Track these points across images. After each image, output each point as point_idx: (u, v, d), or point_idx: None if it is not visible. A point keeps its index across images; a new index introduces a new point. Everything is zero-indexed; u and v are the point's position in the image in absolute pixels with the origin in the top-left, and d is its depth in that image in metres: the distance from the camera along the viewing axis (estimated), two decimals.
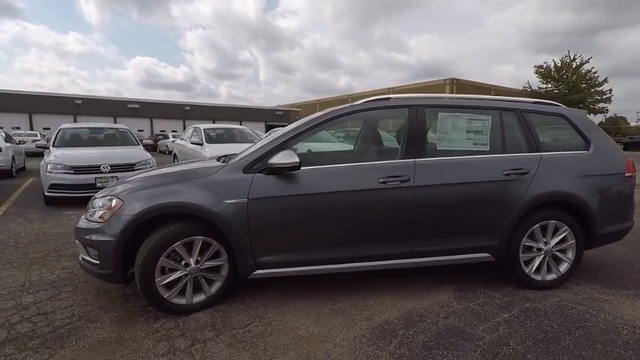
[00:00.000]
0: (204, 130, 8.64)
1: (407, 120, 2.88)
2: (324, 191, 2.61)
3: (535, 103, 3.23)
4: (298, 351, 2.18)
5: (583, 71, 32.64)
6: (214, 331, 2.38)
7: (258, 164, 2.61)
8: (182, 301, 2.56)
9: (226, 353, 2.15)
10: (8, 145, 10.70)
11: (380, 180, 2.67)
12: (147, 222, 2.46)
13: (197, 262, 2.56)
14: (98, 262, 2.52)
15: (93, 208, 2.67)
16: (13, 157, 10.56)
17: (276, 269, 2.64)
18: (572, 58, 33.18)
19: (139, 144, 7.75)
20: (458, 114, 2.97)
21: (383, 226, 2.72)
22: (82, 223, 2.66)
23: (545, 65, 34.31)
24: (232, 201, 2.50)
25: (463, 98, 3.11)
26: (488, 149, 2.96)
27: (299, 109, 45.17)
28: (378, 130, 3.48)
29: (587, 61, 32.56)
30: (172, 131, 31.11)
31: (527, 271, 2.97)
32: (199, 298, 2.62)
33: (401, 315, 2.60)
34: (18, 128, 25.36)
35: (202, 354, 2.14)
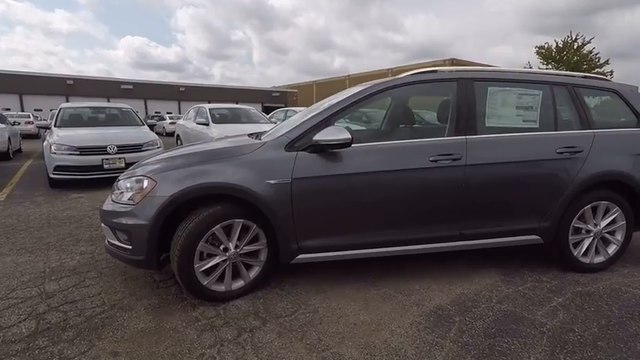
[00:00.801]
0: (209, 109, 8.34)
1: (455, 94, 2.68)
2: (372, 170, 2.43)
3: (585, 77, 3.04)
4: (355, 340, 2.04)
5: (584, 52, 32.29)
6: (259, 319, 2.23)
7: (301, 141, 2.41)
8: (221, 287, 2.40)
9: (278, 344, 2.00)
10: (3, 126, 10.30)
11: (431, 159, 2.49)
12: (183, 204, 2.27)
13: (236, 246, 2.39)
14: (130, 247, 2.34)
15: (119, 189, 2.47)
16: (9, 138, 10.18)
17: (320, 254, 2.47)
18: (573, 38, 32.75)
19: (143, 124, 7.46)
20: (508, 88, 2.78)
21: (432, 208, 2.55)
22: (109, 206, 2.47)
23: (546, 46, 33.86)
24: (275, 181, 2.31)
25: (513, 71, 2.90)
26: (537, 126, 2.78)
27: (295, 91, 44.43)
28: (408, 107, 3.28)
29: (588, 42, 32.17)
30: (168, 113, 30.53)
31: (575, 254, 2.85)
32: (238, 284, 2.46)
33: (452, 300, 2.47)
34: (8, 109, 24.61)
35: (253, 344, 2.00)
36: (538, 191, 2.68)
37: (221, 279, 2.40)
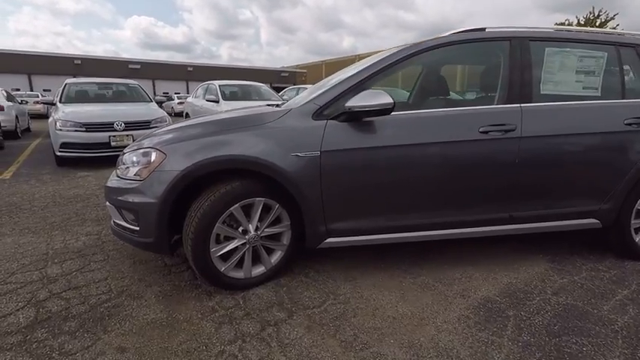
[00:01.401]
0: (219, 86, 7.99)
1: (507, 56, 2.30)
2: (413, 143, 2.10)
3: None
4: (397, 337, 1.77)
5: (608, 29, 30.76)
6: (284, 310, 1.97)
7: (331, 108, 2.09)
8: (239, 274, 2.13)
9: (308, 340, 1.74)
10: (10, 104, 10.09)
11: (481, 129, 2.15)
12: (197, 180, 1.99)
13: (256, 228, 2.11)
14: (137, 228, 2.07)
15: (125, 164, 2.19)
16: (17, 116, 9.98)
17: (351, 237, 2.18)
18: (596, 14, 31.21)
19: (151, 101, 7.16)
20: (568, 50, 2.39)
21: (481, 186, 2.23)
22: (114, 182, 2.19)
23: (566, 22, 32.35)
24: (302, 154, 2.00)
25: (574, 30, 2.51)
26: (598, 94, 2.41)
27: (304, 71, 43.57)
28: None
29: (612, 18, 30.63)
30: (176, 93, 30.15)
31: (637, 240, 2.52)
32: (259, 270, 2.20)
33: (500, 291, 2.18)
34: (18, 90, 24.52)
35: (279, 341, 1.74)
36: (601, 168, 2.33)
37: (240, 264, 2.13)
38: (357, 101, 1.97)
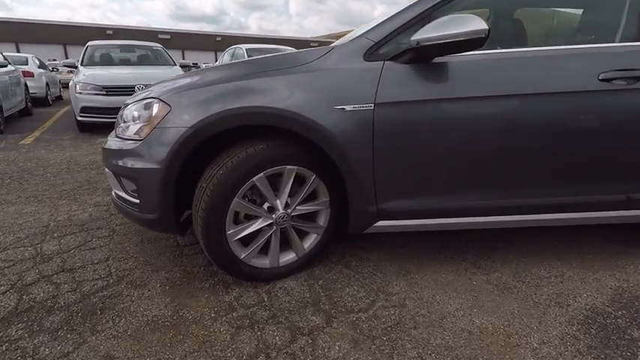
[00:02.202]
0: (246, 50, 7.46)
1: None
2: (502, 94, 1.52)
3: None
4: None
5: None
6: (321, 314, 1.51)
7: (390, 45, 1.53)
8: (264, 262, 1.68)
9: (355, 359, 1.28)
10: (42, 71, 10.06)
11: (600, 76, 1.52)
12: (210, 141, 1.51)
13: (286, 205, 1.63)
14: (138, 201, 1.65)
15: (125, 120, 1.74)
16: (47, 84, 9.94)
17: (409, 220, 1.67)
18: None
19: (175, 64, 6.75)
20: None
21: (593, 157, 1.63)
22: (112, 143, 1.76)
23: None
24: (349, 107, 1.47)
25: None
26: None
27: (334, 41, 41.98)
28: None
29: None
30: (204, 63, 29.89)
31: None
32: (288, 258, 1.74)
33: (610, 299, 1.62)
34: (54, 60, 25.03)
35: (315, 359, 1.28)
36: None
37: (264, 250, 1.68)
38: (429, 32, 1.39)
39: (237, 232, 1.56)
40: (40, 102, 9.32)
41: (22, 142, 4.95)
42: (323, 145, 1.50)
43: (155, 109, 1.57)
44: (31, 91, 8.44)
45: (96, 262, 1.91)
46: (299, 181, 1.64)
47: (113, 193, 1.89)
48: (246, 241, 1.63)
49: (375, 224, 1.65)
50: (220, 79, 1.57)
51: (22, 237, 2.17)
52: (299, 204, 1.65)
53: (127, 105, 1.80)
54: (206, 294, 1.64)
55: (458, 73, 1.51)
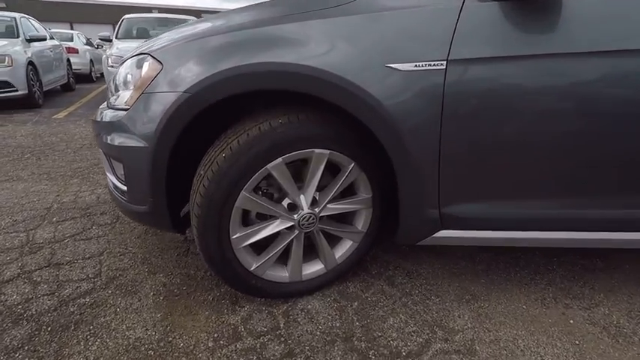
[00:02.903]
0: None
1: None
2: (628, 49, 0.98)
3: None
4: None
5: None
6: (356, 355, 1.10)
7: None
8: (281, 274, 1.28)
9: None
10: (87, 48, 10.25)
11: None
12: (212, 111, 1.11)
13: (313, 202, 1.21)
14: (126, 187, 1.30)
15: (116, 83, 1.38)
16: (92, 60, 10.11)
17: (482, 232, 1.19)
18: None
19: None
20: None
21: None
22: (102, 114, 1.41)
23: None
24: (408, 66, 1.00)
25: None
26: None
27: None
28: None
29: None
30: None
31: None
32: (313, 270, 1.32)
33: None
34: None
35: None
36: None
37: (283, 259, 1.28)
38: None
39: (245, 237, 1.16)
40: (84, 78, 9.49)
41: (55, 116, 4.88)
42: (368, 121, 1.05)
43: (146, 67, 1.19)
44: (74, 67, 8.54)
45: (87, 256, 1.60)
46: (331, 170, 1.21)
47: (108, 180, 1.56)
48: (258, 246, 1.24)
49: (436, 234, 1.19)
50: (226, 28, 1.14)
51: (18, 220, 1.93)
52: (331, 201, 1.22)
53: (120, 65, 1.43)
54: (207, 311, 1.28)
55: (579, 15, 0.99)
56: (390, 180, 1.20)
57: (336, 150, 1.13)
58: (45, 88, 5.96)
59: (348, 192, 1.27)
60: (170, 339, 1.16)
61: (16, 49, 5.22)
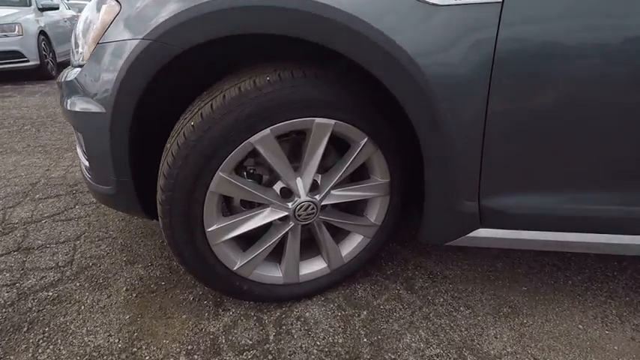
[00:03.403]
0: None
1: None
2: None
3: None
4: None
5: None
6: None
7: None
8: (274, 274, 1.04)
9: None
10: None
11: None
12: (189, 66, 0.86)
13: (313, 186, 0.95)
14: (88, 163, 1.07)
15: (76, 34, 1.12)
16: None
17: (535, 233, 0.90)
18: None
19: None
20: None
21: None
22: (66, 74, 1.17)
23: None
24: (448, 0, 0.72)
25: None
26: None
27: None
28: None
29: None
30: None
31: None
32: (314, 269, 1.07)
33: None
34: None
35: None
36: None
37: (275, 256, 1.04)
38: None
39: (226, 230, 0.92)
40: None
41: None
42: (389, 81, 0.76)
43: (102, 11, 0.93)
44: None
45: (62, 240, 1.42)
46: (337, 147, 0.95)
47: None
48: (243, 240, 1.00)
49: (471, 234, 0.91)
50: None
51: (1, 196, 1.77)
52: (336, 186, 0.96)
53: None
54: (185, 314, 1.07)
55: None
56: (414, 161, 0.92)
57: (343, 120, 0.86)
58: (59, 60, 5.83)
59: (358, 175, 1.01)
60: (135, 349, 0.95)
61: (27, 18, 5.06)
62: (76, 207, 1.67)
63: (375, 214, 1.04)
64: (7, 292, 1.15)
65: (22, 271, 1.24)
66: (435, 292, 1.15)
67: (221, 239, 0.91)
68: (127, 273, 1.24)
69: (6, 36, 4.73)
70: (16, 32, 4.78)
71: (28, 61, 4.91)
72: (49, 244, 1.39)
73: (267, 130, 0.81)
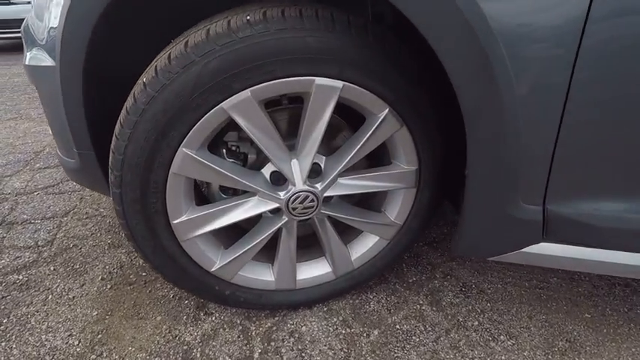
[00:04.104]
0: None
1: None
2: None
3: None
4: None
5: None
6: None
7: None
8: (264, 278, 0.83)
9: None
10: None
11: None
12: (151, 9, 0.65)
13: (315, 172, 0.73)
14: (50, 130, 0.91)
15: None
16: None
17: (604, 251, 0.64)
18: None
19: None
20: None
21: None
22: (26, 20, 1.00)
23: None
24: None
25: None
26: None
27: None
28: None
29: None
30: None
31: None
32: (314, 274, 0.86)
33: None
34: None
35: None
36: None
37: (266, 254, 0.84)
38: None
39: (199, 222, 0.71)
40: None
41: None
42: (424, 27, 0.51)
43: None
44: None
45: (49, 215, 1.29)
46: (349, 120, 0.71)
47: None
48: (225, 235, 0.80)
49: (529, 248, 0.65)
50: None
51: (2, 164, 1.68)
52: (345, 173, 0.73)
53: None
54: (160, 314, 0.90)
55: None
56: (452, 145, 0.67)
57: (355, 82, 0.62)
58: None
59: (375, 160, 0.77)
60: (93, 356, 0.79)
61: None
62: (70, 182, 1.55)
63: (396, 211, 0.81)
64: None
65: (2, 247, 1.12)
66: (467, 311, 0.91)
67: (192, 234, 0.72)
68: (108, 258, 1.09)
69: None
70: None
71: None
72: (34, 220, 1.27)
73: (247, 92, 0.59)
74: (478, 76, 0.53)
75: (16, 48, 5.19)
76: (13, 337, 0.84)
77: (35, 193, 1.43)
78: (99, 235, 1.19)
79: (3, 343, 0.83)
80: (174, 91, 0.56)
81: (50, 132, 2.04)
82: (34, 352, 0.80)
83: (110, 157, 0.64)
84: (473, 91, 0.55)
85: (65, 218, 1.28)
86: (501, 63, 0.51)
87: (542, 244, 0.64)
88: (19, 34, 4.80)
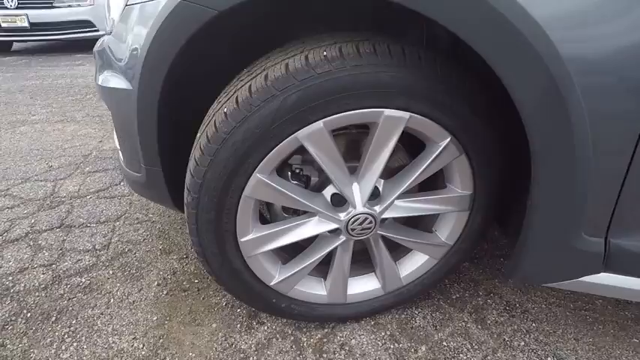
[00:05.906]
0: None
1: None
2: None
3: None
4: None
5: None
6: None
7: None
8: (317, 292, 0.87)
9: None
10: None
11: None
12: (224, 35, 0.69)
13: (374, 196, 0.76)
14: (119, 145, 0.97)
15: None
16: None
17: None
18: None
19: None
20: None
21: None
22: (102, 41, 1.06)
23: None
24: None
25: None
26: None
27: None
28: None
29: None
30: None
31: None
32: (364, 289, 0.89)
33: None
34: None
35: None
36: None
37: (318, 269, 0.88)
38: None
39: (264, 240, 0.76)
40: None
41: None
42: (495, 59, 0.53)
43: None
44: None
45: (103, 220, 1.37)
46: (407, 146, 0.74)
47: None
48: (284, 252, 0.84)
49: (587, 277, 0.67)
50: None
51: (54, 167, 1.78)
52: (402, 196, 0.76)
53: None
54: (215, 322, 0.95)
55: None
56: (507, 171, 0.69)
57: (421, 113, 0.64)
58: None
59: (431, 183, 0.80)
60: None
61: None
62: (121, 184, 1.62)
63: (447, 232, 0.83)
64: (44, 273, 1.11)
65: (60, 252, 1.20)
66: (513, 330, 0.93)
67: (257, 251, 0.76)
68: (161, 264, 1.15)
69: (79, 5, 4.93)
70: (87, 2, 4.96)
71: (98, 30, 5.09)
72: (89, 224, 1.34)
73: (320, 123, 0.62)
74: (550, 110, 0.54)
75: (57, 49, 5.40)
76: (83, 338, 0.91)
77: (88, 197, 1.52)
78: (151, 240, 1.26)
79: (74, 344, 0.89)
80: (255, 123, 0.61)
81: (94, 135, 2.14)
82: (104, 354, 0.87)
83: (188, 180, 0.69)
84: (540, 124, 0.56)
85: (118, 222, 1.35)
86: (574, 96, 0.52)
87: (601, 274, 0.65)
88: (60, 37, 5.03)
